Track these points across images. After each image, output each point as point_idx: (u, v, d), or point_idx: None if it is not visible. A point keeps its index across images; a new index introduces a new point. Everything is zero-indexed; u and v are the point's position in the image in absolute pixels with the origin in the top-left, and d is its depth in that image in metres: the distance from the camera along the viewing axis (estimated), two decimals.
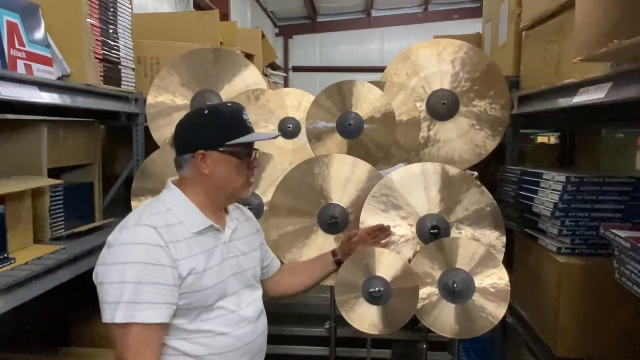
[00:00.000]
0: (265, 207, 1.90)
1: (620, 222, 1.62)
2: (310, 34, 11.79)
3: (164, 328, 1.19)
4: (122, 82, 2.29)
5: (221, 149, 1.27)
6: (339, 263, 1.66)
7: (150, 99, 2.10)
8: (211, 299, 1.27)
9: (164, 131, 2.09)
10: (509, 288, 1.58)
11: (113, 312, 1.13)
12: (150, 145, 2.20)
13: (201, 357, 1.25)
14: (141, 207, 1.28)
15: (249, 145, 1.32)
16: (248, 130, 1.30)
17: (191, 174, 1.30)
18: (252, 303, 1.38)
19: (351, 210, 1.79)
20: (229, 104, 1.32)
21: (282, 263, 1.70)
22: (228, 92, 2.08)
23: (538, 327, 1.82)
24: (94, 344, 2.17)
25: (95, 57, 2.05)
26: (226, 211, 1.40)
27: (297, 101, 2.07)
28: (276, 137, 1.44)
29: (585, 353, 1.61)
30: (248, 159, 1.31)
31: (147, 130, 2.22)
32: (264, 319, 1.44)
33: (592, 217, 1.65)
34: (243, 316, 1.33)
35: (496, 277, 1.58)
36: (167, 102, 2.09)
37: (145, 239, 1.17)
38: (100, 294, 1.17)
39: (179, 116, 2.10)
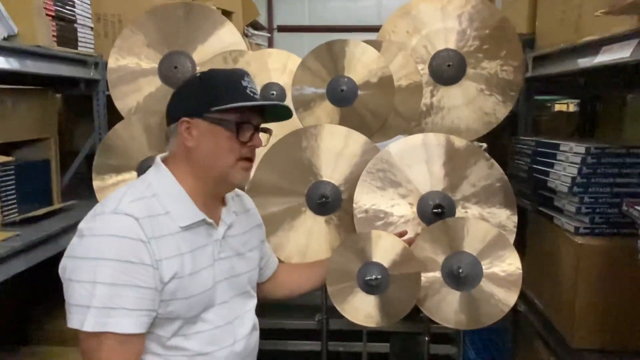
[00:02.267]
0: (246, 186, 1.89)
1: None
2: None
3: (142, 339, 1.14)
4: (79, 44, 2.25)
5: (207, 115, 1.20)
6: None
7: (111, 63, 2.06)
8: (195, 309, 1.21)
9: (128, 100, 2.05)
10: (521, 273, 1.59)
11: (82, 317, 1.07)
12: (114, 116, 2.16)
13: None
14: (122, 189, 1.21)
15: (245, 116, 1.23)
16: (246, 97, 1.22)
17: (177, 149, 1.25)
18: (244, 315, 1.34)
19: (344, 188, 1.79)
20: (227, 68, 1.29)
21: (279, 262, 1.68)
22: (202, 54, 2.05)
23: (553, 316, 1.85)
24: (56, 341, 2.17)
25: (47, 15, 2.00)
26: (223, 202, 1.34)
27: (281, 64, 2.03)
28: (275, 105, 1.32)
29: (604, 344, 1.63)
30: (242, 132, 1.22)
31: (109, 99, 2.19)
32: (256, 336, 1.39)
33: (614, 193, 1.66)
34: (231, 332, 1.28)
35: (507, 261, 1.59)
36: (132, 66, 2.05)
37: (124, 231, 1.10)
38: (66, 292, 1.11)
39: (145, 82, 2.12)
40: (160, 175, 1.24)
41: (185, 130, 1.22)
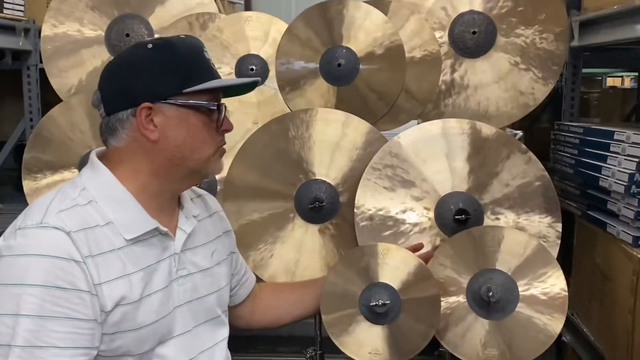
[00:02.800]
0: (218, 186, 1.88)
1: None
2: None
3: None
4: (5, 6, 2.24)
5: (178, 99, 1.20)
6: None
7: (46, 30, 2.05)
8: (149, 343, 1.21)
9: (68, 76, 2.05)
10: (567, 295, 1.59)
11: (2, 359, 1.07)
12: (49, 97, 2.15)
13: None
14: (49, 195, 1.20)
15: (217, 98, 1.27)
16: (213, 74, 1.25)
17: (129, 144, 1.22)
18: (213, 348, 1.34)
19: (342, 188, 1.78)
20: (182, 36, 1.27)
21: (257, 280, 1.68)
22: (161, 19, 2.05)
23: (606, 348, 1.85)
24: None
25: None
26: (179, 204, 1.35)
27: (262, 31, 2.02)
28: (256, 82, 1.35)
29: None
30: (219, 116, 1.26)
31: (44, 75, 2.18)
32: None
33: None
34: None
35: (549, 281, 1.59)
36: (72, 34, 2.04)
37: (52, 249, 1.09)
38: None
39: (89, 54, 2.11)
40: (97, 176, 1.23)
41: (146, 119, 1.20)
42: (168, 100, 1.20)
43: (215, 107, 1.25)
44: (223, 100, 1.31)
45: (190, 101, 1.21)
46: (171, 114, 1.21)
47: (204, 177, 1.36)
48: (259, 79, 1.38)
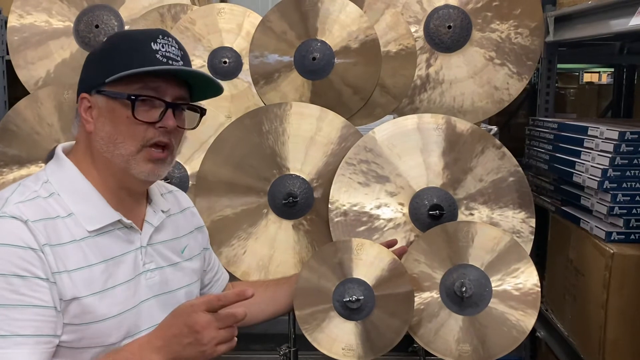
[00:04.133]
0: (190, 182, 1.88)
1: None
2: None
3: None
4: None
5: (104, 90, 1.20)
6: None
7: (13, 20, 2.02)
8: (113, 337, 1.20)
9: (35, 68, 2.03)
10: (540, 290, 1.61)
11: None
12: (16, 90, 2.12)
13: None
14: (11, 187, 1.21)
15: (150, 88, 1.20)
16: (154, 62, 1.19)
17: (80, 135, 1.26)
18: None
19: (317, 184, 1.79)
20: (143, 29, 1.28)
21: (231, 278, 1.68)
22: (131, 10, 2.03)
23: (579, 343, 1.89)
24: None
25: None
26: (148, 199, 1.35)
27: (235, 23, 2.02)
28: (197, 74, 1.26)
29: None
30: (144, 108, 1.20)
31: (10, 67, 2.16)
32: None
33: None
34: None
35: (522, 276, 1.61)
36: (40, 25, 2.03)
37: (9, 237, 1.10)
38: None
39: (57, 46, 2.09)
40: (60, 170, 1.24)
41: (85, 110, 1.22)
42: (98, 91, 1.21)
43: (133, 98, 1.18)
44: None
45: (115, 91, 1.19)
46: (102, 105, 1.21)
47: (137, 180, 1.25)
48: (195, 70, 1.29)
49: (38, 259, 1.12)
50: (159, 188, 1.39)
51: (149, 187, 1.35)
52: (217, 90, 1.32)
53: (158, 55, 1.20)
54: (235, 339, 1.16)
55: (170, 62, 1.21)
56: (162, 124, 1.21)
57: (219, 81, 1.32)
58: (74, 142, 1.29)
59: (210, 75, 1.31)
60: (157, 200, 1.36)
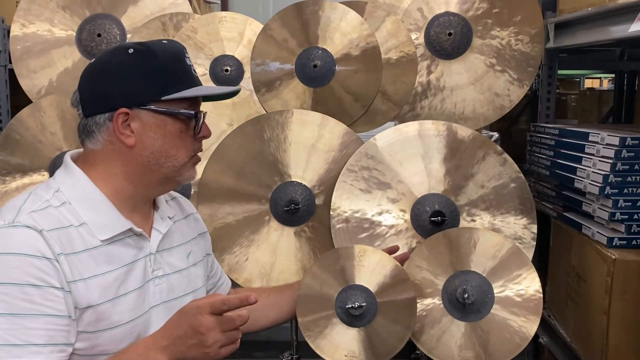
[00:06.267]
0: (193, 189, 1.88)
1: None
2: None
3: None
4: None
5: (156, 106, 1.22)
6: None
7: (15, 30, 2.03)
8: (125, 342, 1.21)
9: (37, 77, 2.04)
10: (542, 297, 1.61)
11: None
12: (19, 99, 2.13)
13: None
14: (22, 196, 1.21)
15: (196, 104, 1.29)
16: (194, 80, 1.28)
17: (105, 147, 1.24)
18: None
19: (318, 191, 1.79)
20: (164, 42, 1.28)
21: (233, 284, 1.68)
22: (133, 19, 2.04)
23: (581, 349, 1.88)
24: None
25: None
26: (154, 206, 1.36)
27: (237, 31, 2.03)
28: (236, 90, 1.37)
29: None
30: (196, 122, 1.27)
31: (13, 75, 2.16)
32: None
33: None
34: None
35: (524, 282, 1.61)
36: (42, 34, 2.03)
37: (24, 247, 1.11)
38: None
39: (59, 55, 2.10)
40: (71, 178, 1.24)
41: (123, 124, 1.22)
42: (145, 107, 1.22)
43: (192, 115, 1.26)
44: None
45: (168, 108, 1.23)
46: (148, 120, 1.23)
47: (178, 185, 1.35)
48: (239, 87, 1.39)
49: (53, 268, 1.12)
50: (163, 195, 1.40)
51: (155, 197, 1.36)
52: (230, 97, 1.41)
53: (193, 72, 1.28)
54: (239, 341, 1.17)
55: (197, 75, 1.31)
56: (202, 135, 1.30)
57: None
58: (81, 150, 1.29)
59: (239, 88, 1.39)
60: (163, 207, 1.37)
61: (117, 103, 1.21)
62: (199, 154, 1.33)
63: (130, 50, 1.23)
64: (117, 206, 1.24)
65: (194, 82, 1.27)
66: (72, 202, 1.21)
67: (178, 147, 1.26)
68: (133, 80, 1.22)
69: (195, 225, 1.49)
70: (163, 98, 1.22)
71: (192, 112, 1.26)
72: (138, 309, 1.24)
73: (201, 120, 1.28)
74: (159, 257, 1.31)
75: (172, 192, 1.48)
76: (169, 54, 1.25)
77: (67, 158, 1.28)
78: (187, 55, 1.28)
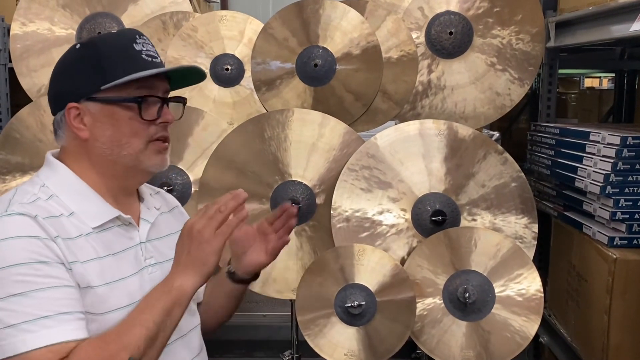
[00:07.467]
0: (193, 188, 1.88)
1: None
2: None
3: None
4: None
5: (99, 96, 1.22)
6: (234, 278, 1.48)
7: (15, 28, 2.03)
8: None
9: (38, 76, 2.03)
10: (543, 296, 1.61)
11: (12, 340, 1.06)
12: (19, 98, 2.12)
13: None
14: (9, 192, 1.23)
15: (147, 88, 1.25)
16: (143, 64, 1.24)
17: (69, 143, 1.28)
18: (189, 334, 1.35)
19: (319, 190, 1.79)
20: (114, 31, 1.30)
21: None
22: (133, 17, 2.04)
23: (582, 349, 1.88)
24: None
25: None
26: (139, 197, 1.38)
27: (237, 30, 2.03)
28: (189, 69, 1.34)
29: None
30: (146, 108, 1.25)
31: (13, 74, 2.15)
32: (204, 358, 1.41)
33: None
34: (174, 355, 1.28)
35: (525, 282, 1.61)
36: (42, 33, 2.03)
37: (22, 230, 1.12)
38: None
39: (59, 53, 2.02)
40: (55, 173, 1.26)
41: (75, 118, 1.24)
42: (91, 98, 1.23)
43: (136, 100, 1.23)
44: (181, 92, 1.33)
45: (111, 95, 1.22)
46: (96, 111, 1.23)
47: (149, 175, 1.33)
48: (193, 66, 1.37)
49: (55, 246, 1.14)
50: (147, 189, 1.42)
51: (139, 187, 1.38)
52: (201, 77, 1.38)
53: (144, 56, 1.25)
54: (234, 221, 1.20)
55: (154, 60, 1.27)
56: (163, 120, 1.27)
57: (201, 68, 1.38)
58: (59, 150, 1.31)
59: (196, 66, 1.37)
60: (148, 198, 1.39)
61: (67, 99, 1.24)
62: (162, 141, 1.29)
63: (77, 46, 1.26)
64: (102, 197, 1.26)
65: (142, 66, 1.23)
66: (59, 195, 1.23)
67: (129, 135, 1.24)
68: (78, 75, 1.24)
69: (181, 217, 1.49)
70: (102, 87, 1.21)
71: (135, 96, 1.23)
72: (135, 295, 1.24)
73: (153, 105, 1.26)
74: (150, 246, 1.33)
75: (154, 187, 1.49)
76: (113, 42, 1.26)
77: (49, 155, 1.30)
78: (138, 41, 1.26)
